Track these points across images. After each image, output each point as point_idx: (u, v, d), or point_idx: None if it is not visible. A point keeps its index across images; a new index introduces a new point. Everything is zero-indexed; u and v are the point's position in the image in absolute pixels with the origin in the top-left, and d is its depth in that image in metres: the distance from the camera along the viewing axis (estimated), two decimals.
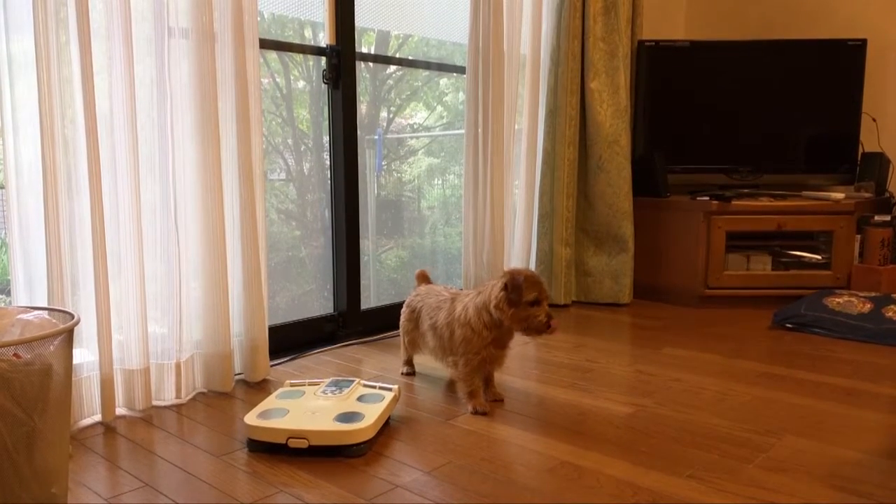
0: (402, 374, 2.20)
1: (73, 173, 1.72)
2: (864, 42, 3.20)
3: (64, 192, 1.69)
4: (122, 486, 1.46)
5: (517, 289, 1.76)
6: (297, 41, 2.52)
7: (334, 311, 2.61)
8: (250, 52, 2.01)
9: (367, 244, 2.79)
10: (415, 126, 3.02)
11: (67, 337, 1.27)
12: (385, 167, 2.88)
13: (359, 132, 2.57)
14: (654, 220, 3.22)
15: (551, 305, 3.05)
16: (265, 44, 2.33)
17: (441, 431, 1.74)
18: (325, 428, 1.58)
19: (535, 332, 1.79)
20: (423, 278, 2.22)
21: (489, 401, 1.93)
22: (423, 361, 2.23)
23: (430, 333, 1.98)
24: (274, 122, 2.50)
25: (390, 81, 2.90)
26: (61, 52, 1.65)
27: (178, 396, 1.95)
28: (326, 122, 2.54)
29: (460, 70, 3.00)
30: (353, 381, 1.85)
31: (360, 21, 2.54)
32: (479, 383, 1.91)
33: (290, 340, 2.44)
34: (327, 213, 2.59)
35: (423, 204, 3.06)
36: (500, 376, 2.13)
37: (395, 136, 2.94)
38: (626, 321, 2.90)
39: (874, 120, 3.31)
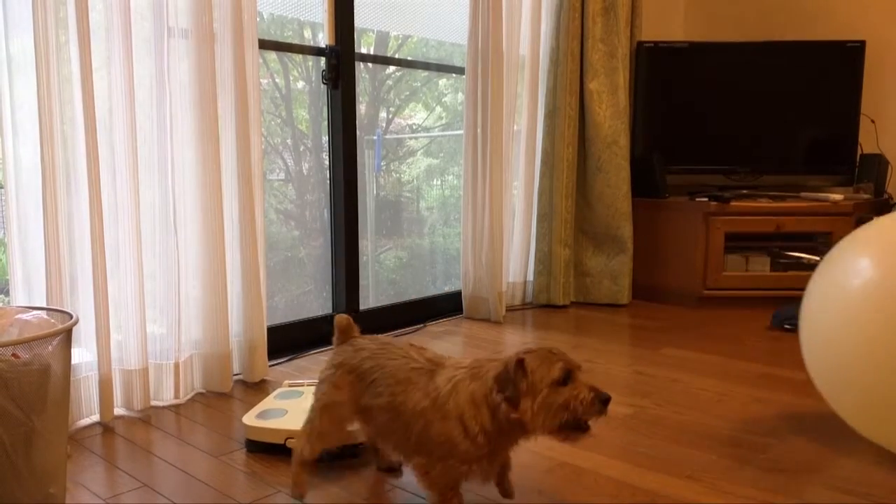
0: (379, 468, 1.53)
1: (72, 173, 1.72)
2: (862, 44, 3.21)
3: (63, 191, 1.68)
4: (120, 486, 1.46)
5: (508, 383, 1.19)
6: (296, 41, 2.52)
7: (333, 311, 2.61)
8: (250, 52, 2.01)
9: (366, 244, 2.79)
10: (414, 126, 3.02)
11: (66, 337, 1.27)
12: (384, 167, 2.88)
13: (358, 132, 2.57)
14: (652, 221, 3.22)
15: (548, 306, 2.91)
16: (265, 44, 2.33)
17: None
18: None
19: (577, 424, 1.20)
20: (347, 330, 1.44)
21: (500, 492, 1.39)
22: None
23: (387, 415, 1.31)
24: (273, 123, 2.50)
25: (389, 82, 2.90)
26: (61, 52, 1.65)
27: (176, 397, 1.95)
28: (325, 123, 2.54)
29: (459, 71, 3.00)
30: None
31: (359, 21, 2.54)
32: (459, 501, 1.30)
33: (289, 341, 2.44)
34: (326, 214, 2.59)
35: (422, 204, 3.06)
36: None
37: (395, 136, 2.94)
38: (625, 322, 2.90)
39: (873, 121, 3.31)
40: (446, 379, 1.27)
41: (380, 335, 1.45)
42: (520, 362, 1.20)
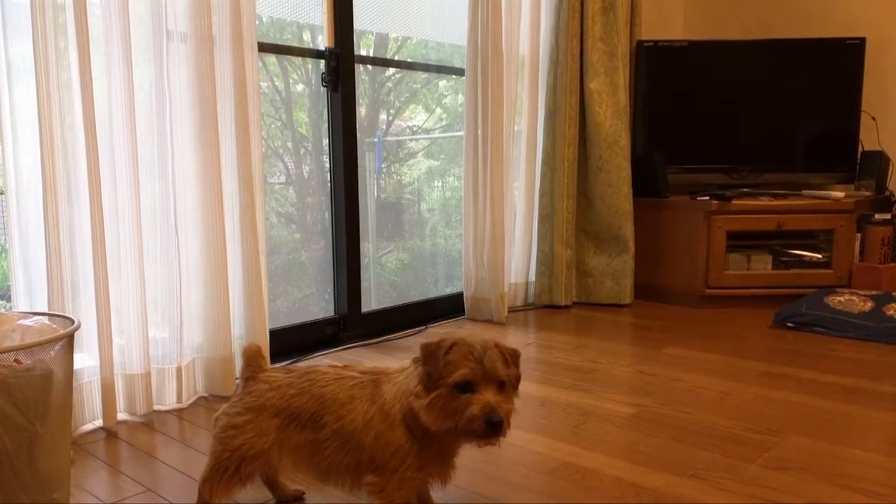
0: None
1: (73, 178, 1.72)
2: (862, 40, 3.20)
3: (63, 196, 1.69)
4: (123, 490, 1.46)
5: (432, 359, 1.14)
6: (295, 44, 2.52)
7: (335, 313, 2.61)
8: (249, 55, 2.01)
9: (367, 247, 2.79)
10: (414, 128, 3.02)
11: (68, 342, 1.27)
12: (385, 169, 2.88)
13: (358, 135, 2.57)
14: (654, 220, 3.22)
15: (550, 307, 2.90)
16: (264, 47, 2.34)
17: None
18: None
19: (472, 435, 1.13)
20: (255, 360, 1.32)
21: None
22: None
23: (335, 443, 1.21)
24: (273, 126, 2.50)
25: (389, 84, 2.90)
26: (60, 58, 1.65)
27: (179, 401, 1.95)
28: (326, 125, 2.54)
29: (459, 72, 3.00)
30: None
31: (358, 24, 2.54)
32: None
33: (291, 343, 2.44)
34: (327, 216, 2.60)
35: (423, 206, 3.06)
36: None
37: (395, 138, 2.94)
38: (627, 321, 2.90)
39: (874, 118, 3.31)
40: (393, 384, 1.21)
41: (288, 364, 1.31)
42: (453, 345, 1.14)
